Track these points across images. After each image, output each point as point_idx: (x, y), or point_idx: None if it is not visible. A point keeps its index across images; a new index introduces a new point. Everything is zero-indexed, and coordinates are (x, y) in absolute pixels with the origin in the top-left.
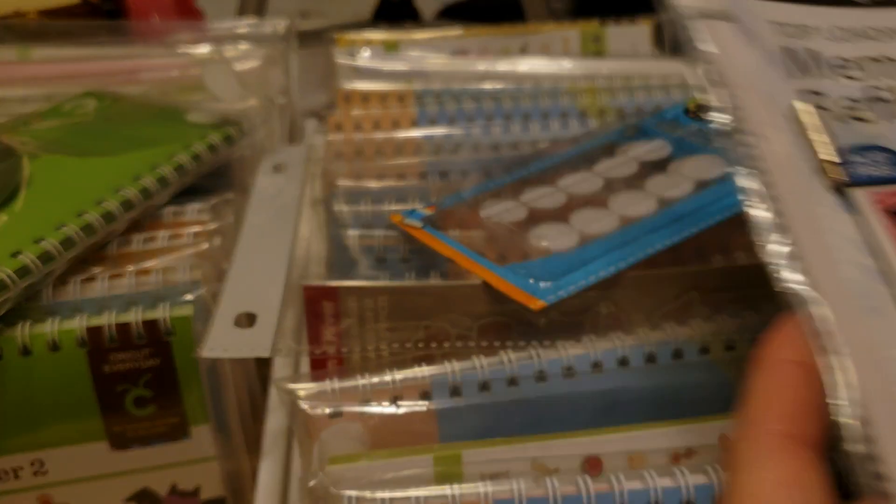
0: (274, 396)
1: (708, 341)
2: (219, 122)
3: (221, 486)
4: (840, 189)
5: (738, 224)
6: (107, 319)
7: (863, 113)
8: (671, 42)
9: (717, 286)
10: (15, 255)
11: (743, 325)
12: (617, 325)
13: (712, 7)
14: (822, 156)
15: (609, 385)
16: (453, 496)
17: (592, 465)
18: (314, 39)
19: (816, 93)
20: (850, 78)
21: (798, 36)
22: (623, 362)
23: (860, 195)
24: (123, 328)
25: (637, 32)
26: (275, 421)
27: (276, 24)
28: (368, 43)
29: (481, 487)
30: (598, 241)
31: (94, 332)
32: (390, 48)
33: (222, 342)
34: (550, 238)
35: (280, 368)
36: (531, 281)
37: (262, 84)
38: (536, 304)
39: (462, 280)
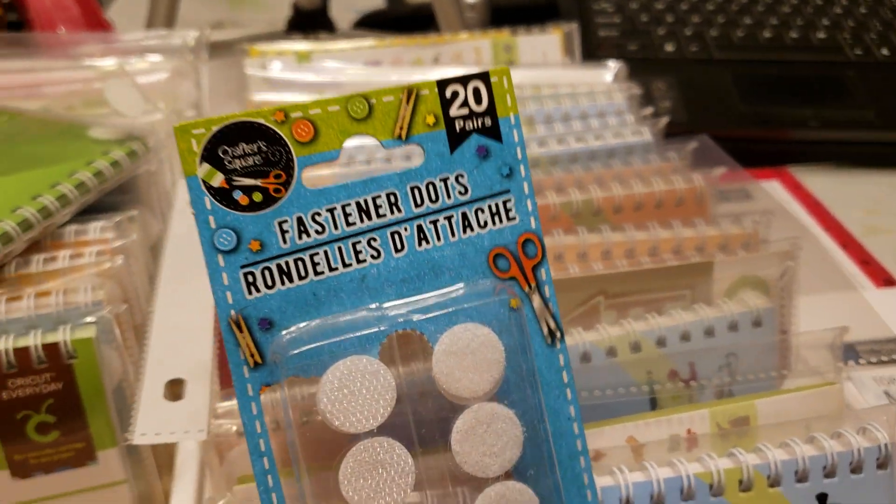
0: None
1: (614, 344)
2: (123, 137)
3: None
4: None
5: None
6: (3, 344)
7: None
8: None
9: (622, 290)
10: None
11: (648, 327)
12: None
13: None
14: None
15: None
16: None
17: None
18: (227, 51)
19: None
20: None
21: None
22: None
23: None
24: (22, 352)
25: (547, 41)
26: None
27: (185, 36)
28: (281, 54)
29: None
30: None
31: None
32: (302, 59)
33: (153, 421)
34: None
35: None
36: None
37: (171, 97)
38: None
39: None
